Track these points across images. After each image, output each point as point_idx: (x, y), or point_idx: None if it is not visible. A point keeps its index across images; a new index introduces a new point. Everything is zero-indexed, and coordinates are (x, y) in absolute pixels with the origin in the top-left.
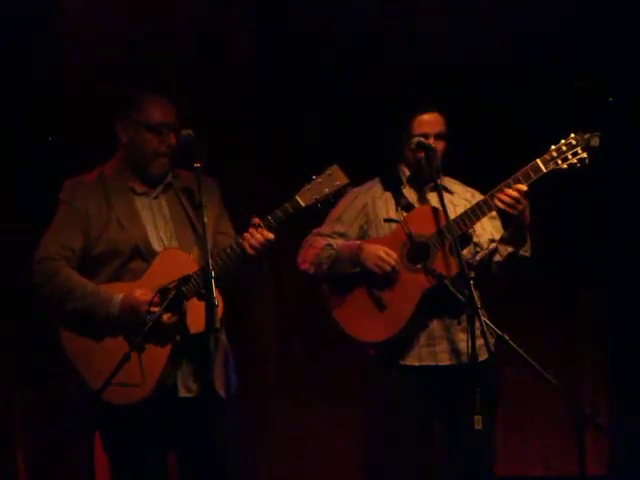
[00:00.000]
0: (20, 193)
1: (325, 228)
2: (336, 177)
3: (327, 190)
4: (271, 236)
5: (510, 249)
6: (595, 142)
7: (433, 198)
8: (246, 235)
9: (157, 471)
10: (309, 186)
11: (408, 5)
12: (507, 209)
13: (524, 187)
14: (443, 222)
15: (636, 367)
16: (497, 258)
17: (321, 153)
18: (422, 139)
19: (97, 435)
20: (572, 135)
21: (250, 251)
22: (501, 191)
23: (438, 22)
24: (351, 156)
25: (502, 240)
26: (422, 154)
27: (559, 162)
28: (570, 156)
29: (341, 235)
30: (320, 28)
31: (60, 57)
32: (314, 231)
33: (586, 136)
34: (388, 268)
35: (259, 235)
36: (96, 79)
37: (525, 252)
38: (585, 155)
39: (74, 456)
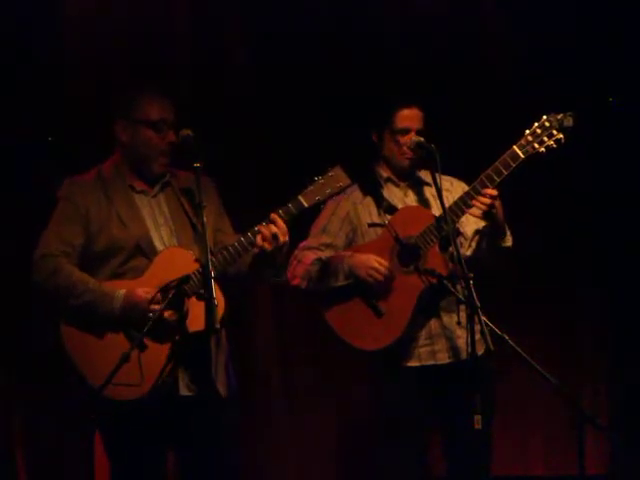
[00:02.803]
0: (20, 193)
1: (312, 241)
2: (338, 178)
3: (329, 191)
4: (284, 227)
5: (491, 241)
6: (569, 122)
7: (413, 195)
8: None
9: (156, 470)
10: (312, 187)
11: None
12: (482, 215)
13: (494, 192)
14: (428, 220)
15: (636, 367)
16: (479, 253)
17: (321, 153)
18: (422, 139)
19: (97, 435)
20: (544, 117)
21: (281, 239)
22: (476, 194)
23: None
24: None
25: (482, 234)
26: (419, 153)
27: (536, 146)
28: (546, 138)
29: (328, 246)
30: (320, 29)
31: (60, 57)
32: (301, 245)
33: (559, 117)
34: (381, 278)
35: (281, 222)
36: (96, 79)
37: (506, 243)
38: (561, 136)
39: (74, 456)
